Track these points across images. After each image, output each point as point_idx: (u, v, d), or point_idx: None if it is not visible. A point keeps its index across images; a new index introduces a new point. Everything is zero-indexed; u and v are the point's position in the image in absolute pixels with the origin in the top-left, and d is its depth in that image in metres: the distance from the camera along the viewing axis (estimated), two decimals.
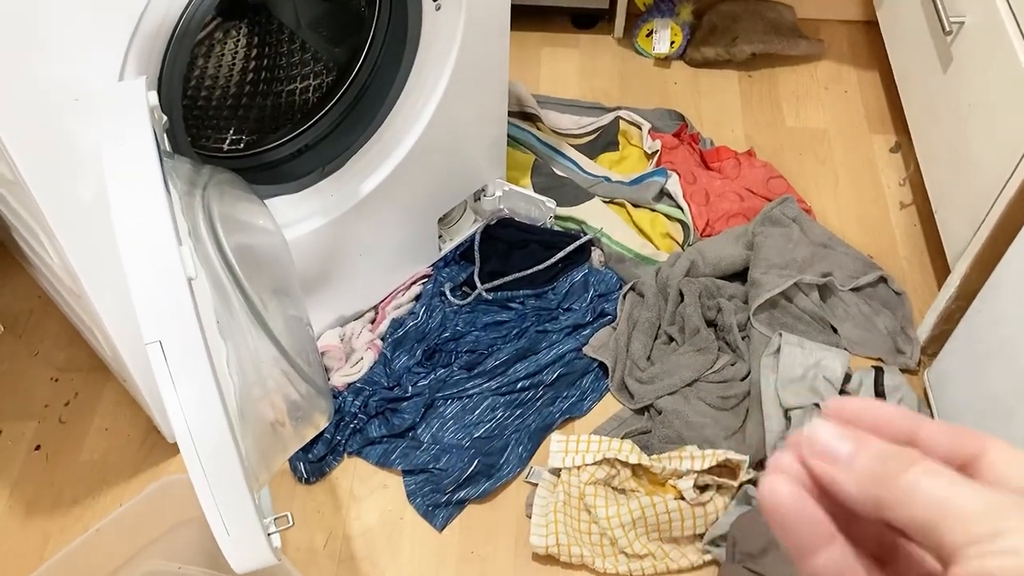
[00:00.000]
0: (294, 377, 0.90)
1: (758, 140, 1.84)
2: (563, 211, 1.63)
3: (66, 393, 1.44)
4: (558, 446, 1.31)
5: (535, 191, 1.64)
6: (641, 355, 1.45)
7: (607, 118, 1.83)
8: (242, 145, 1.32)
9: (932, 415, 1.35)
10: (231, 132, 1.34)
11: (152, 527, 1.24)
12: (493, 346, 1.47)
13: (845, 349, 1.45)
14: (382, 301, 1.53)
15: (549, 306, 1.52)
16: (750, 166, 1.73)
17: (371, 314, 1.52)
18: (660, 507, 1.25)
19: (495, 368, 1.43)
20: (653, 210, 1.66)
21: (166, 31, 0.96)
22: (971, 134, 1.37)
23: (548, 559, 1.26)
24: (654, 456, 1.30)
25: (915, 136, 1.63)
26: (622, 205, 1.67)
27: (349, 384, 1.42)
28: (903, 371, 1.45)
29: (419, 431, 1.38)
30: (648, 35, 1.98)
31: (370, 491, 1.34)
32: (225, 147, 1.31)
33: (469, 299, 1.52)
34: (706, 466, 1.26)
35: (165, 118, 0.99)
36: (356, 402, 1.39)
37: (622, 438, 1.33)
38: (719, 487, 1.27)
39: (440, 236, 1.56)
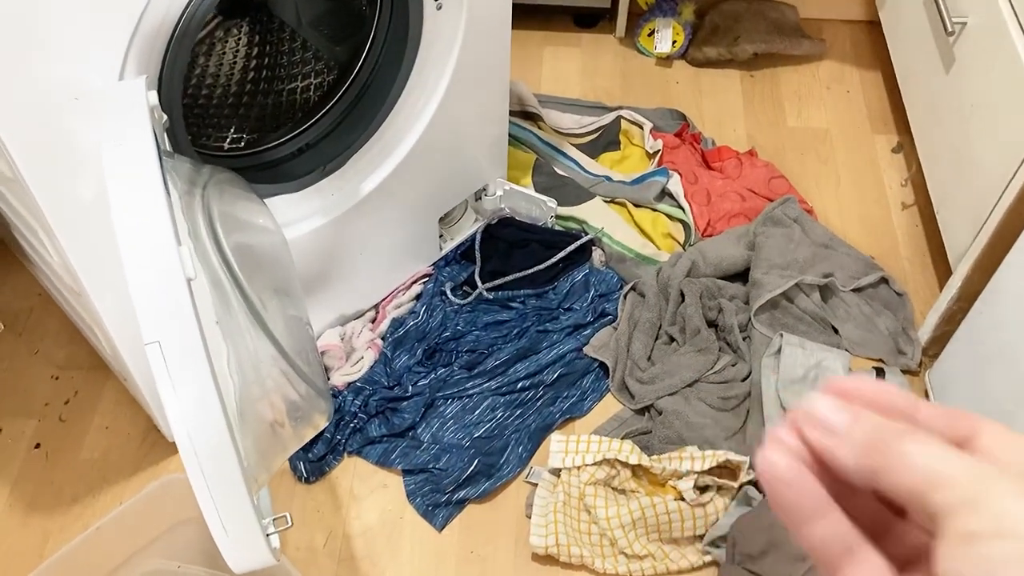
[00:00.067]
0: (293, 377, 0.90)
1: (760, 140, 1.83)
2: (564, 211, 1.62)
3: (66, 391, 1.44)
4: (558, 446, 1.31)
5: (536, 190, 1.64)
6: (642, 355, 1.45)
7: (608, 117, 1.82)
8: (242, 144, 1.32)
9: None
10: (231, 131, 1.34)
11: (152, 526, 1.24)
12: (494, 346, 1.47)
13: (846, 350, 1.44)
14: (383, 300, 1.53)
15: (550, 306, 1.52)
16: (751, 166, 1.72)
17: (371, 313, 1.52)
18: (660, 508, 1.24)
19: (495, 368, 1.43)
20: (654, 210, 1.65)
21: (166, 30, 0.96)
22: (973, 135, 1.37)
23: (548, 559, 1.26)
24: (654, 457, 1.30)
25: (917, 136, 1.63)
26: (623, 205, 1.67)
27: (349, 383, 1.42)
28: (904, 372, 1.45)
29: (419, 431, 1.38)
30: (650, 34, 1.98)
31: (370, 491, 1.34)
32: (225, 146, 1.31)
33: (470, 299, 1.52)
34: (706, 467, 1.26)
35: (165, 117, 0.99)
36: (356, 401, 1.39)
37: (622, 438, 1.33)
38: (719, 488, 1.27)
39: (441, 235, 1.56)
